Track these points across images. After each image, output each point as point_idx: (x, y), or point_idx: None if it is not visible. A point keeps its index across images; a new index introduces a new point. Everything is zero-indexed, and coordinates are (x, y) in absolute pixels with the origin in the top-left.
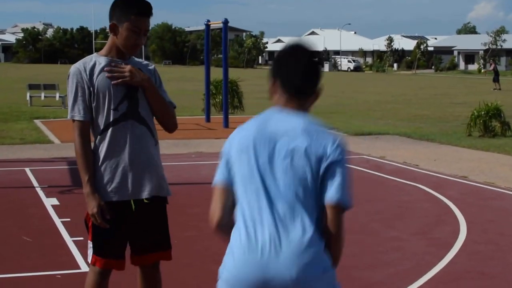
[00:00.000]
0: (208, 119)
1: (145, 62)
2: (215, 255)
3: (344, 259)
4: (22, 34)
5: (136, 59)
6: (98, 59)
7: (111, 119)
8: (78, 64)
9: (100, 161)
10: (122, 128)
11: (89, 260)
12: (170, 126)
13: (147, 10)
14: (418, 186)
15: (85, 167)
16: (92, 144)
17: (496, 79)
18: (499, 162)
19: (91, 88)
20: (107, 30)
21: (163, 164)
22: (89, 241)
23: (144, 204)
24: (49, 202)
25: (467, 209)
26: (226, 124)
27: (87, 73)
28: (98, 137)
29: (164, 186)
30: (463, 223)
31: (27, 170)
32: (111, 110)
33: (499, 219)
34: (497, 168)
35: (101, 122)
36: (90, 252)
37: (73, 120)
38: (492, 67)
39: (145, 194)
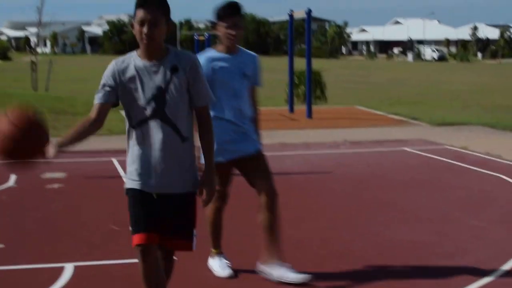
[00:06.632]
0: (291, 110)
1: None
2: (298, 242)
3: (423, 248)
4: (107, 26)
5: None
6: None
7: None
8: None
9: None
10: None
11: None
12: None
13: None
14: (500, 177)
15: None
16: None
17: None
18: None
19: None
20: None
21: None
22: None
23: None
24: None
25: None
26: (309, 114)
27: None
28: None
29: (188, 182)
30: None
31: (114, 160)
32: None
33: None
34: None
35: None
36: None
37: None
38: None
39: (168, 190)
